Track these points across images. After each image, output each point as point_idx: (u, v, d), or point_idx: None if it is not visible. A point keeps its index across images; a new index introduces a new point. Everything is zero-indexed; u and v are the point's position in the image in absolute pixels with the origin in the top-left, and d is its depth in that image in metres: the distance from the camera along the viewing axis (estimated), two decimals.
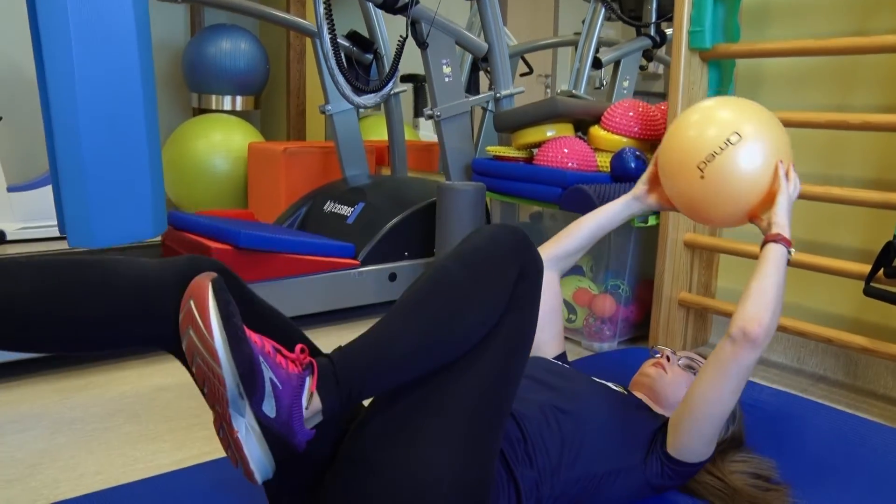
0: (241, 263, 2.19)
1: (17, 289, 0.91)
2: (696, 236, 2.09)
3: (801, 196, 1.81)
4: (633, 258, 2.23)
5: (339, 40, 2.71)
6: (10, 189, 3.49)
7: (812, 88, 1.98)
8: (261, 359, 0.89)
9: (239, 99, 4.25)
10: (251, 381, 0.88)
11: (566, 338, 2.29)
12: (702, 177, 1.32)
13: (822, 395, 1.88)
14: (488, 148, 2.51)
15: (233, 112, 4.27)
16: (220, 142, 3.88)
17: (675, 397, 1.44)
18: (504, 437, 1.15)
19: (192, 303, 0.86)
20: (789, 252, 1.25)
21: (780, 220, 1.28)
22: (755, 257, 1.88)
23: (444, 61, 2.49)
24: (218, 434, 0.91)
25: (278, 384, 0.90)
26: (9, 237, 3.49)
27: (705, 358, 1.49)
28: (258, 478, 0.92)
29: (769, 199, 1.31)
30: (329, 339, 0.96)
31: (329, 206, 2.90)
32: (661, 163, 1.45)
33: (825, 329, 1.85)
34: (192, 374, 0.91)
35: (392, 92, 3.13)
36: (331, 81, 2.83)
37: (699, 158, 1.32)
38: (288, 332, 1.08)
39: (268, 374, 0.90)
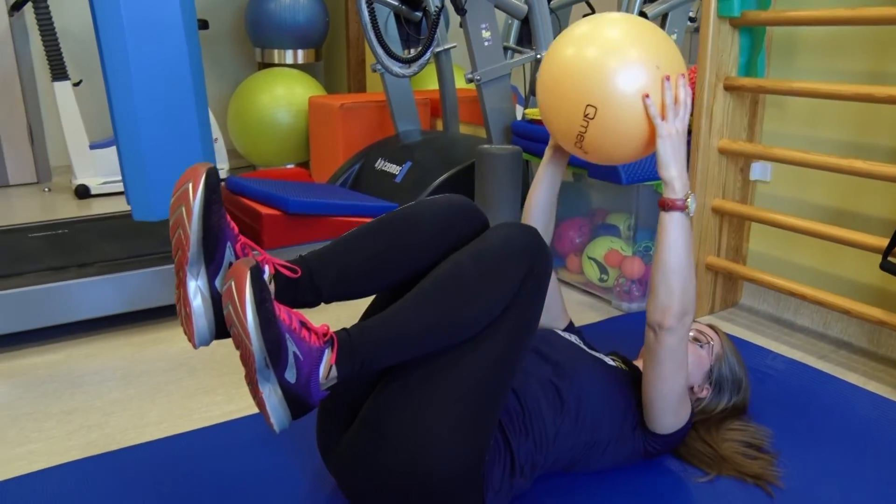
0: (291, 227, 2.37)
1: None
2: (723, 202, 2.13)
3: (827, 167, 1.83)
4: None
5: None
6: (92, 146, 3.76)
7: (847, 56, 1.95)
8: (287, 336, 1.05)
9: (300, 52, 4.37)
10: (276, 356, 1.04)
11: (598, 296, 2.39)
12: (586, 153, 1.29)
13: (842, 362, 1.93)
14: (526, 111, 2.57)
15: (295, 65, 4.41)
16: (283, 95, 4.03)
17: None
18: (505, 410, 1.28)
19: (232, 283, 1.02)
20: (685, 210, 1.22)
21: (666, 172, 1.23)
22: (785, 226, 1.93)
23: (484, 25, 2.54)
24: (248, 386, 1.09)
25: (300, 356, 1.06)
26: (92, 192, 3.78)
27: (715, 330, 1.58)
28: (276, 429, 1.08)
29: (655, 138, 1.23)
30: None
31: (380, 164, 3.04)
32: (549, 129, 1.38)
33: (845, 300, 1.88)
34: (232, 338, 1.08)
35: (442, 48, 3.19)
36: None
37: (572, 140, 1.28)
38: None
39: (292, 348, 1.06)
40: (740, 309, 2.31)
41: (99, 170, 3.79)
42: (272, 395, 1.06)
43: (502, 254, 1.18)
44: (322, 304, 1.22)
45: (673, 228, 1.24)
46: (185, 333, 1.14)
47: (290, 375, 1.06)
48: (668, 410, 1.33)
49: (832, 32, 1.98)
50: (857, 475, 1.40)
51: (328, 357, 1.09)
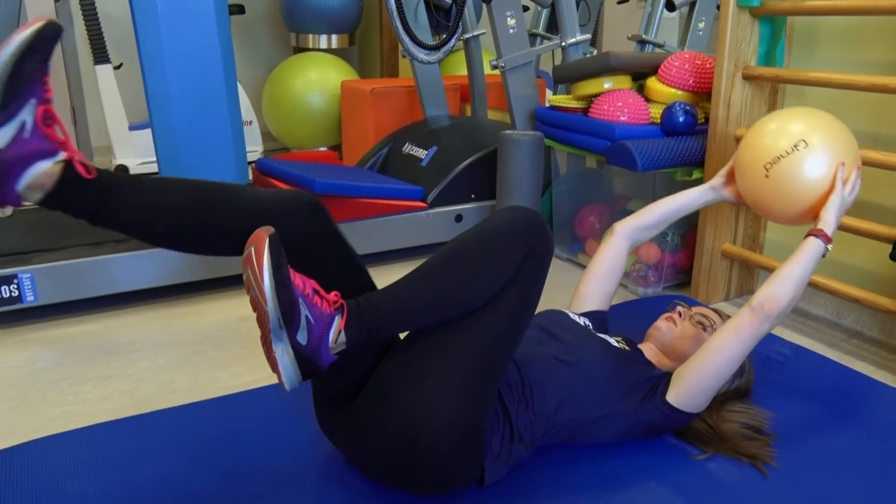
0: None
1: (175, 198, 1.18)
2: None
3: None
4: None
5: None
6: (132, 128, 3.89)
7: (867, 47, 1.96)
8: (300, 300, 1.13)
9: (334, 37, 4.44)
10: (290, 318, 1.11)
11: None
12: (766, 176, 1.53)
13: (852, 351, 1.95)
14: (549, 98, 2.61)
15: (329, 50, 4.48)
16: (316, 80, 4.11)
17: (680, 350, 1.58)
18: (505, 381, 1.35)
19: (252, 250, 1.09)
20: (827, 248, 1.43)
21: (828, 216, 1.46)
22: None
23: (509, 13, 2.58)
24: (263, 347, 1.16)
25: (312, 320, 1.14)
26: (131, 171, 3.91)
27: (720, 315, 1.62)
28: (287, 387, 1.16)
29: (825, 202, 1.48)
30: (396, 274, 1.23)
31: (407, 148, 3.10)
32: (735, 160, 1.64)
33: (857, 289, 1.90)
34: (249, 301, 1.15)
35: (471, 34, 3.24)
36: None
37: (767, 160, 1.52)
38: (357, 271, 1.31)
39: (304, 311, 1.13)
40: None
41: (138, 150, 3.92)
42: (284, 355, 1.13)
43: (504, 234, 1.24)
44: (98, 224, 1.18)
45: (812, 251, 1.43)
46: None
47: (302, 337, 1.13)
48: (709, 389, 1.40)
49: (853, 22, 1.99)
50: (851, 461, 1.43)
51: (338, 323, 1.16)
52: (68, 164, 1.08)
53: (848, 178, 1.50)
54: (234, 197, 1.20)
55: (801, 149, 1.48)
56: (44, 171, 1.07)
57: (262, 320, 1.11)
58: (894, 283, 1.98)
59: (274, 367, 1.14)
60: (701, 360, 1.40)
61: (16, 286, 2.02)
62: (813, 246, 1.43)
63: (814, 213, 1.51)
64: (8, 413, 1.64)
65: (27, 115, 1.05)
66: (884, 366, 1.88)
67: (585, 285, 1.73)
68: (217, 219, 1.19)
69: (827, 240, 1.44)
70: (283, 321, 1.10)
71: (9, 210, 2.65)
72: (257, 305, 1.10)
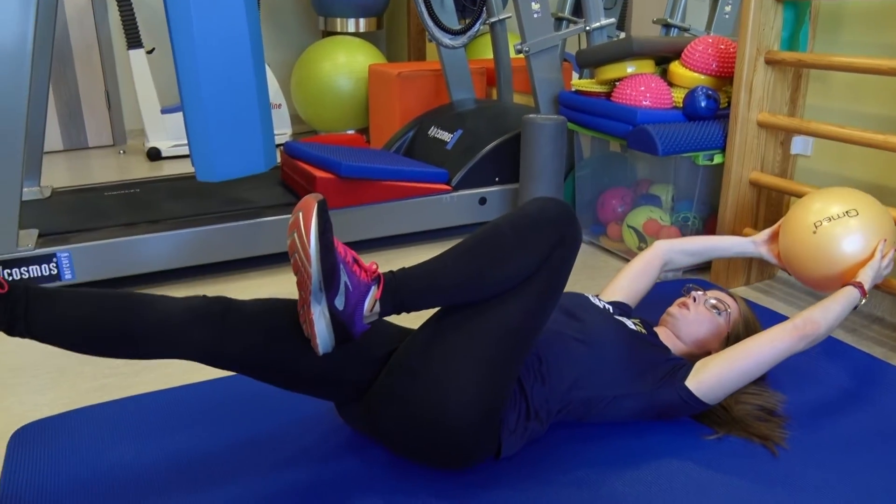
0: (344, 190, 2.50)
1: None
2: (761, 175, 2.16)
3: (863, 143, 1.85)
4: (701, 191, 2.33)
5: None
6: (164, 111, 3.97)
7: (893, 29, 1.94)
8: (341, 266, 1.19)
9: (362, 21, 4.48)
10: (330, 281, 1.17)
11: None
12: (814, 232, 1.66)
13: (871, 336, 1.96)
14: (573, 82, 2.62)
15: (357, 34, 4.52)
16: (345, 63, 4.16)
17: (693, 334, 1.61)
18: (526, 359, 1.39)
19: (300, 214, 1.15)
20: (862, 299, 1.55)
21: (864, 276, 1.59)
22: None
23: None
24: (299, 311, 1.22)
25: (350, 287, 1.20)
26: (163, 154, 4.01)
27: (735, 298, 1.64)
28: (320, 349, 1.21)
29: (860, 268, 1.61)
30: (420, 256, 1.26)
31: (433, 132, 3.14)
32: (784, 220, 1.78)
33: None
34: (292, 265, 1.21)
35: (497, 18, 3.25)
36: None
37: (817, 218, 1.67)
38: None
39: (344, 278, 1.19)
40: (777, 282, 2.34)
41: (169, 133, 4.00)
42: (321, 318, 1.19)
43: (537, 221, 1.28)
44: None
45: (849, 297, 1.53)
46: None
47: (339, 302, 1.19)
48: (732, 388, 1.44)
49: (878, 5, 1.97)
50: (862, 444, 1.45)
51: (374, 293, 1.22)
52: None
53: (887, 253, 1.63)
54: (140, 309, 1.21)
55: (853, 216, 1.63)
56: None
57: (303, 283, 1.17)
58: None
59: (310, 328, 1.20)
60: (731, 359, 1.43)
61: (55, 264, 2.11)
62: (851, 293, 1.53)
63: (843, 280, 1.63)
64: (48, 384, 1.72)
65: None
66: None
67: (617, 279, 1.80)
68: (127, 327, 1.20)
69: (863, 292, 1.55)
70: (324, 285, 1.16)
71: (48, 191, 2.75)
72: (300, 268, 1.16)
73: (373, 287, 1.22)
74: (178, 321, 1.22)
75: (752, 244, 1.84)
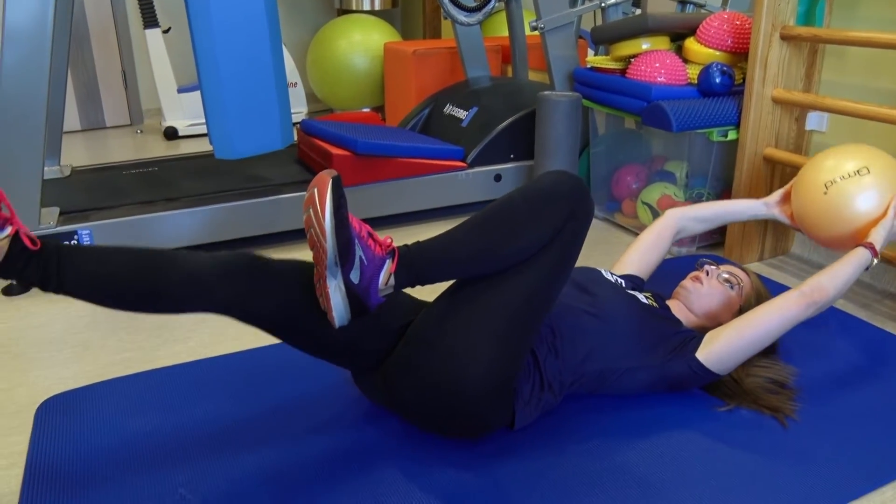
0: (360, 167, 2.52)
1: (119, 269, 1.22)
2: (775, 151, 2.15)
3: (878, 118, 1.85)
4: (716, 167, 2.33)
5: None
6: (180, 90, 4.00)
7: None
8: (356, 240, 1.21)
9: None
10: (345, 255, 1.19)
11: None
12: (825, 192, 1.65)
13: (884, 312, 1.96)
14: (588, 59, 2.62)
15: (372, 12, 4.52)
16: (360, 41, 4.16)
17: (707, 307, 1.63)
18: (539, 331, 1.41)
19: (315, 190, 1.17)
20: (873, 261, 1.54)
21: (877, 235, 1.57)
22: None
23: None
24: (315, 285, 1.25)
25: (365, 261, 1.22)
26: (179, 133, 4.04)
27: (748, 273, 1.66)
28: (336, 322, 1.24)
29: (872, 227, 1.59)
30: (436, 232, 1.28)
31: (448, 109, 3.14)
32: (795, 181, 1.75)
33: (890, 250, 1.90)
34: (308, 240, 1.23)
35: None
36: None
37: (829, 178, 1.65)
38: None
39: (359, 252, 1.22)
40: (790, 257, 2.35)
41: (186, 112, 4.03)
42: (337, 292, 1.21)
43: (550, 195, 1.30)
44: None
45: (860, 259, 1.53)
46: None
47: (355, 276, 1.21)
48: (742, 357, 1.46)
49: None
50: (871, 417, 1.47)
51: (388, 266, 1.25)
52: (15, 237, 1.16)
53: None
54: (170, 265, 1.24)
55: (864, 174, 1.60)
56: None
57: (318, 258, 1.19)
58: None
59: (326, 302, 1.22)
60: (740, 328, 1.45)
61: (76, 241, 2.15)
62: (862, 255, 1.53)
63: (857, 239, 1.62)
64: (72, 358, 1.77)
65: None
66: None
67: (629, 253, 1.81)
68: (155, 285, 1.22)
69: (874, 253, 1.54)
70: (340, 259, 1.18)
71: (68, 170, 2.79)
72: (316, 243, 1.18)
73: (387, 260, 1.25)
74: (207, 278, 1.25)
75: (764, 206, 1.85)
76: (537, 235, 1.29)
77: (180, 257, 1.26)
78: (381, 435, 1.42)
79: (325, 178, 1.16)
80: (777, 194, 1.84)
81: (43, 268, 1.18)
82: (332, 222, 1.16)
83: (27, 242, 1.16)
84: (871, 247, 1.55)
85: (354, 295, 1.22)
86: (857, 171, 1.61)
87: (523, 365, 1.36)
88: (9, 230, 1.16)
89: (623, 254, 1.83)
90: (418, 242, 1.30)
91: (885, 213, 1.61)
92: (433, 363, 1.29)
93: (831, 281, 1.47)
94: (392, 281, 1.25)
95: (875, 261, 1.55)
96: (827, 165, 1.67)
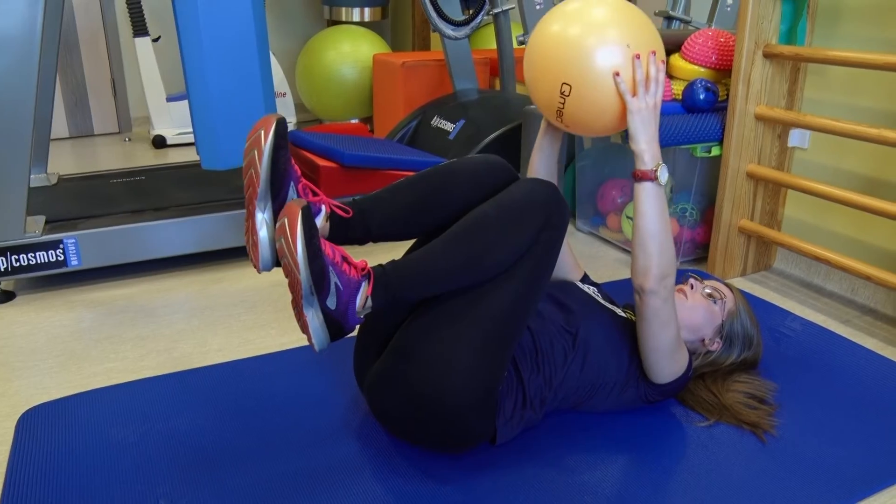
0: (346, 179, 2.53)
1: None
2: (758, 168, 2.18)
3: (857, 136, 1.87)
4: (699, 182, 2.35)
5: None
6: (169, 99, 3.99)
7: (892, 24, 1.96)
8: (330, 268, 1.22)
9: (367, 10, 4.49)
10: (320, 284, 1.20)
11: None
12: (567, 126, 1.42)
13: (864, 328, 1.99)
14: None
15: (362, 23, 4.54)
16: (349, 52, 4.18)
17: (690, 321, 1.63)
18: (520, 348, 1.43)
19: (286, 220, 1.18)
20: (656, 182, 1.33)
21: (636, 146, 1.34)
22: (820, 194, 1.97)
23: None
24: (293, 310, 1.25)
25: (341, 287, 1.23)
26: (168, 142, 4.03)
27: (731, 288, 1.67)
28: (317, 348, 1.25)
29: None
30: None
31: (435, 121, 3.16)
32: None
33: (871, 267, 1.92)
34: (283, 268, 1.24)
35: (501, 9, 3.27)
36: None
37: (553, 114, 1.40)
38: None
39: (333, 279, 1.23)
40: (772, 272, 2.37)
41: (175, 121, 4.03)
42: (314, 319, 1.23)
43: (524, 205, 1.31)
44: (370, 242, 1.40)
45: (646, 198, 1.35)
46: (252, 260, 1.32)
47: (331, 302, 1.22)
48: (662, 362, 1.44)
49: (877, 0, 1.99)
50: (849, 432, 1.49)
51: (365, 289, 1.26)
52: (332, 213, 1.34)
53: (632, 83, 1.32)
54: (448, 175, 1.38)
55: (568, 93, 1.33)
56: (319, 226, 1.32)
57: (294, 286, 1.20)
58: None
59: (304, 329, 1.23)
60: (641, 347, 1.44)
61: (62, 251, 2.15)
62: (642, 194, 1.34)
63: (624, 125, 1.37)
64: (56, 368, 1.77)
65: (293, 195, 1.31)
66: (894, 342, 1.91)
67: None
68: (440, 198, 1.38)
69: (651, 174, 1.33)
70: (315, 288, 1.19)
71: (54, 178, 2.78)
72: (290, 273, 1.19)
73: (363, 283, 1.26)
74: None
75: (551, 129, 1.58)
76: (513, 247, 1.30)
77: (452, 166, 1.39)
78: (362, 447, 1.42)
79: (295, 210, 1.17)
80: (545, 119, 1.59)
81: (361, 228, 1.36)
82: (305, 253, 1.16)
83: (341, 213, 1.34)
84: (642, 175, 1.34)
85: (332, 320, 1.23)
86: (562, 94, 1.34)
87: (505, 378, 1.37)
88: (325, 210, 1.33)
89: (565, 254, 1.71)
90: (394, 261, 1.31)
91: (624, 114, 1.34)
92: (413, 377, 1.30)
93: (643, 257, 1.35)
94: (369, 303, 1.26)
95: (661, 175, 1.33)
96: (541, 99, 1.40)
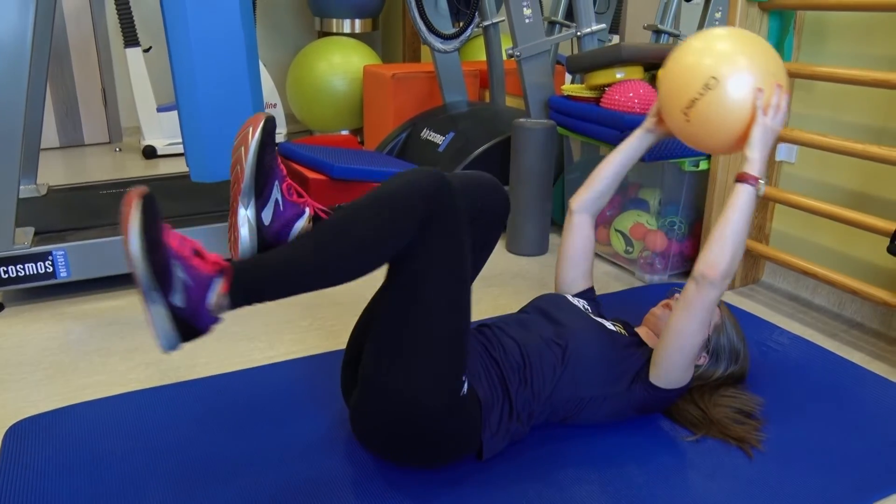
0: (336, 191, 2.53)
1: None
2: None
3: (844, 151, 1.89)
4: (688, 196, 2.37)
5: None
6: (159, 109, 3.99)
7: (878, 42, 1.99)
8: (175, 262, 1.11)
9: (358, 22, 4.51)
10: (163, 279, 1.11)
11: (623, 267, 2.50)
12: (688, 121, 1.46)
13: (851, 342, 2.00)
14: (563, 87, 2.66)
15: (352, 34, 4.55)
16: (340, 64, 4.19)
17: None
18: (507, 361, 1.43)
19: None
20: (758, 189, 1.39)
21: (752, 153, 1.39)
22: (807, 209, 1.99)
23: (525, 3, 2.63)
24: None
25: (189, 282, 1.14)
26: (158, 152, 4.03)
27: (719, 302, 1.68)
28: (165, 348, 1.16)
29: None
30: None
31: (425, 134, 3.17)
32: (658, 103, 1.60)
33: (858, 282, 1.94)
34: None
35: (490, 22, 3.29)
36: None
37: (682, 104, 1.45)
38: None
39: (180, 273, 1.13)
40: (761, 286, 2.39)
41: (165, 131, 4.03)
42: (158, 316, 1.13)
43: (400, 191, 1.22)
44: None
45: (744, 198, 1.39)
46: (232, 257, 1.29)
47: (178, 300, 1.13)
48: (680, 365, 1.44)
49: (863, 17, 2.01)
50: (835, 446, 1.50)
51: (219, 285, 1.15)
52: (315, 216, 1.32)
53: (768, 103, 1.40)
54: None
55: (713, 87, 1.40)
56: (301, 228, 1.31)
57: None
58: (894, 276, 2.02)
59: (149, 325, 1.16)
60: (665, 339, 1.45)
61: (50, 262, 2.14)
62: (742, 194, 1.38)
63: (742, 142, 1.44)
64: (44, 381, 1.76)
65: (277, 195, 1.28)
66: (881, 357, 1.92)
67: (563, 272, 1.77)
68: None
69: (755, 180, 1.39)
70: (157, 282, 1.10)
71: (44, 189, 2.77)
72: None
73: (216, 279, 1.15)
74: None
75: (649, 134, 1.68)
76: (388, 229, 1.20)
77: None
78: (350, 462, 1.42)
79: (131, 198, 1.08)
80: (652, 115, 1.67)
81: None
82: (141, 245, 1.07)
83: (324, 217, 1.33)
84: (748, 178, 1.39)
85: (180, 319, 1.14)
86: (706, 86, 1.40)
87: (490, 394, 1.38)
88: (308, 212, 1.31)
89: (557, 274, 1.77)
90: (256, 257, 1.25)
91: (753, 116, 1.40)
92: (379, 406, 1.30)
93: (719, 250, 1.36)
94: (225, 301, 1.16)
95: (761, 185, 1.39)
96: (677, 87, 1.46)
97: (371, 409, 1.32)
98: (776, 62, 1.43)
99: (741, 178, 1.40)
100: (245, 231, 1.26)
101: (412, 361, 1.26)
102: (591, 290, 1.79)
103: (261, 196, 1.24)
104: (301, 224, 1.30)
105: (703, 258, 1.38)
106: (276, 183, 1.27)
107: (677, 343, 1.43)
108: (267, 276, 1.19)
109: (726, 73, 1.39)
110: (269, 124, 1.24)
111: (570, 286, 1.77)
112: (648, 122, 1.68)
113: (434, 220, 1.23)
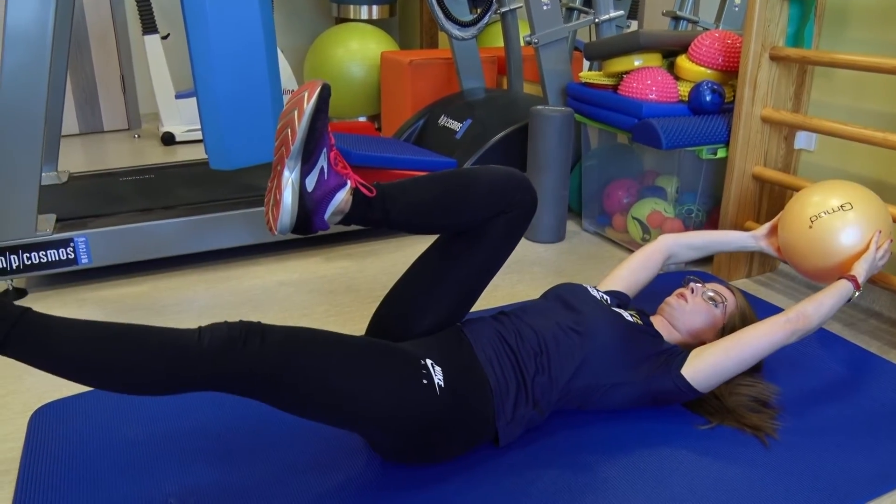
0: None
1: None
2: (764, 170, 2.19)
3: (862, 139, 1.88)
4: (706, 184, 2.36)
5: None
6: (178, 96, 4.02)
7: None
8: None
9: (375, 8, 4.51)
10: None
11: None
12: (810, 227, 1.70)
13: (868, 331, 1.99)
14: (581, 74, 2.65)
15: (370, 21, 4.54)
16: (357, 50, 4.19)
17: (689, 325, 1.65)
18: (524, 348, 1.44)
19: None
20: (855, 292, 1.58)
21: (859, 268, 1.61)
22: None
23: None
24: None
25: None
26: (176, 139, 4.06)
27: (733, 291, 1.68)
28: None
29: (856, 260, 1.64)
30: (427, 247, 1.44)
31: (442, 121, 3.17)
32: (782, 215, 1.81)
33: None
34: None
35: (508, 8, 3.27)
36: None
37: (813, 213, 1.70)
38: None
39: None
40: (778, 274, 2.38)
41: (183, 118, 4.06)
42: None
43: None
44: (385, 227, 1.43)
45: (843, 291, 1.57)
46: (268, 223, 1.32)
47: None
48: (726, 376, 1.50)
49: (885, 3, 1.99)
50: (852, 436, 1.50)
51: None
52: (356, 189, 1.34)
53: (882, 244, 1.65)
54: (472, 182, 1.42)
55: (847, 209, 1.66)
56: (342, 199, 1.33)
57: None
58: None
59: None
60: (727, 349, 1.48)
61: (72, 249, 2.17)
62: (844, 287, 1.57)
63: (840, 272, 1.65)
64: None
65: (324, 162, 1.30)
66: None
67: (619, 269, 1.84)
68: (461, 203, 1.42)
69: (857, 286, 1.58)
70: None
71: (64, 177, 2.81)
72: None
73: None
74: (504, 186, 1.48)
75: (752, 239, 1.88)
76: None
77: (477, 171, 1.44)
78: (365, 449, 1.44)
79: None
80: (765, 227, 1.87)
81: (381, 210, 1.36)
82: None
83: (365, 192, 1.35)
84: (853, 279, 1.58)
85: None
86: (841, 207, 1.67)
87: (502, 382, 1.39)
88: (350, 184, 1.33)
89: (613, 269, 1.86)
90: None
91: (867, 248, 1.65)
92: (377, 439, 1.34)
93: (816, 310, 1.51)
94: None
95: (857, 293, 1.59)
96: (813, 201, 1.72)
97: (372, 442, 1.37)
98: (890, 220, 1.70)
99: (848, 278, 1.59)
100: (288, 193, 1.26)
101: (350, 404, 1.22)
102: (625, 295, 1.78)
103: (308, 161, 1.25)
104: (342, 195, 1.31)
105: (803, 307, 1.51)
106: (325, 150, 1.28)
107: (737, 357, 1.47)
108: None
109: (862, 205, 1.67)
110: (326, 91, 1.26)
111: (614, 283, 1.81)
112: (758, 231, 1.88)
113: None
